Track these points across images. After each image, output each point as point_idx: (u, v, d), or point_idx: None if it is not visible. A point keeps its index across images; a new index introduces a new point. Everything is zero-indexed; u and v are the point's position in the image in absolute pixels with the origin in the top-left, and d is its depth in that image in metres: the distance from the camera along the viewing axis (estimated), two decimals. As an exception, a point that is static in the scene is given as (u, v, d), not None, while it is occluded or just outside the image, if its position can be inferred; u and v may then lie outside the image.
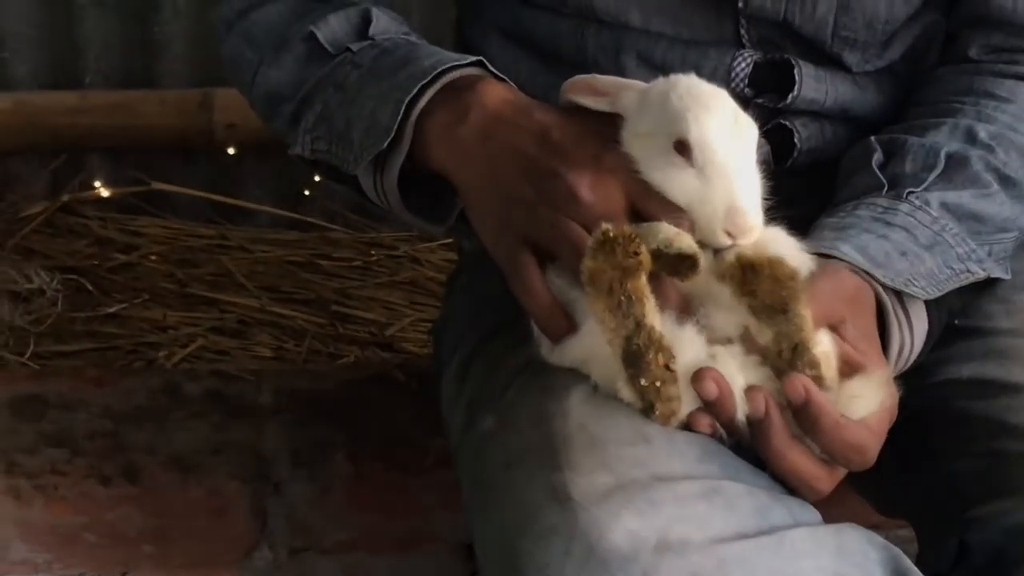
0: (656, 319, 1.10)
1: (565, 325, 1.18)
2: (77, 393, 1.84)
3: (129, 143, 2.97)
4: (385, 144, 1.25)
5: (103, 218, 3.03)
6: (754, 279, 1.09)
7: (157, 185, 3.00)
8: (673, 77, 1.20)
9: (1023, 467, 1.26)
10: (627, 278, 1.09)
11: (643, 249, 1.10)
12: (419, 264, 2.98)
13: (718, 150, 1.14)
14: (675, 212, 1.15)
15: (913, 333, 1.26)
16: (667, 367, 1.10)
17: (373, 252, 2.98)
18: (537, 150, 1.19)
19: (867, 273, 1.22)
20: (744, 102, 1.40)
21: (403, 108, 1.24)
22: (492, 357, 1.34)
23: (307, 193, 2.96)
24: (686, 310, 1.15)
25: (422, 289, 2.92)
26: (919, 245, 1.26)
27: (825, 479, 1.16)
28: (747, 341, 1.15)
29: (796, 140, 1.41)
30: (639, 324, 1.09)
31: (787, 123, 1.41)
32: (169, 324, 2.81)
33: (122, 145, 2.98)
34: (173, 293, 2.93)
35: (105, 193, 3.00)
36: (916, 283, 1.25)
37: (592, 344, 1.15)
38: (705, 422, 1.14)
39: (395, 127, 1.24)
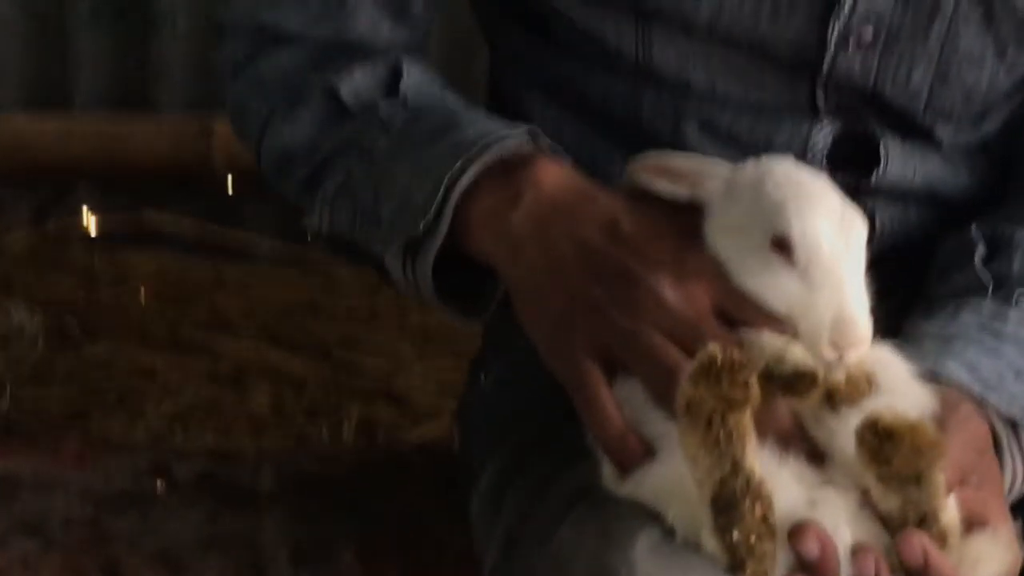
0: (756, 462, 0.96)
1: (639, 453, 1.03)
2: (54, 471, 1.61)
3: (121, 170, 2.77)
4: (421, 228, 1.10)
5: (90, 250, 2.83)
6: (891, 449, 0.95)
7: (149, 215, 2.80)
8: (766, 162, 1.06)
9: None
10: (731, 411, 0.94)
11: (754, 380, 0.94)
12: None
13: (824, 249, 1.00)
14: (773, 322, 1.01)
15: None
16: (765, 519, 0.95)
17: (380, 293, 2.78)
18: (606, 243, 1.05)
19: (980, 398, 1.09)
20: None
21: (443, 187, 1.09)
22: (536, 476, 1.18)
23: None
24: (796, 442, 1.01)
25: (434, 335, 2.72)
26: None
27: None
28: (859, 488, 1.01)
29: (877, 224, 1.25)
30: (736, 465, 0.95)
31: (866, 204, 1.22)
32: (158, 370, 2.61)
33: (113, 172, 2.78)
34: (163, 335, 2.73)
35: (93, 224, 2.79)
36: None
37: (672, 477, 1.00)
38: None
39: (433, 209, 1.09)
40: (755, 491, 0.95)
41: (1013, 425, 1.10)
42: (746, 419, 0.95)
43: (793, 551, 0.96)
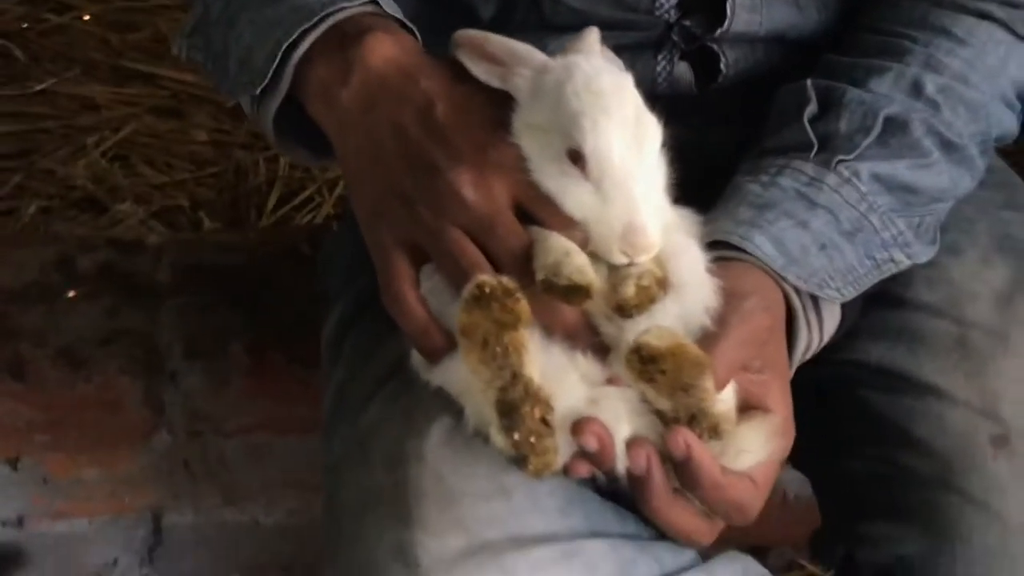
0: (535, 369, 1.01)
1: (441, 345, 1.07)
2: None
3: None
4: (258, 90, 1.14)
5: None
6: (656, 371, 1.00)
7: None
8: (571, 63, 1.06)
9: (918, 489, 1.18)
10: (504, 331, 1.00)
11: (523, 304, 1.00)
12: None
13: (616, 164, 1.02)
14: (567, 224, 1.04)
15: (823, 330, 1.17)
16: (544, 420, 1.01)
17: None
18: (419, 131, 1.08)
19: (779, 275, 1.11)
20: (668, 27, 1.28)
21: (280, 54, 1.12)
22: (368, 333, 1.24)
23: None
24: (582, 340, 1.05)
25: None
26: (841, 232, 1.15)
27: (706, 532, 1.09)
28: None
29: (722, 66, 1.29)
30: (515, 375, 1.00)
31: (714, 46, 1.27)
32: (102, 103, 2.67)
33: None
34: (107, 64, 2.76)
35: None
36: (832, 283, 1.15)
37: (466, 373, 1.03)
38: (583, 469, 1.05)
39: (270, 72, 1.13)
40: (533, 396, 1.00)
41: (813, 297, 1.13)
42: (520, 335, 1.00)
43: (575, 443, 1.03)
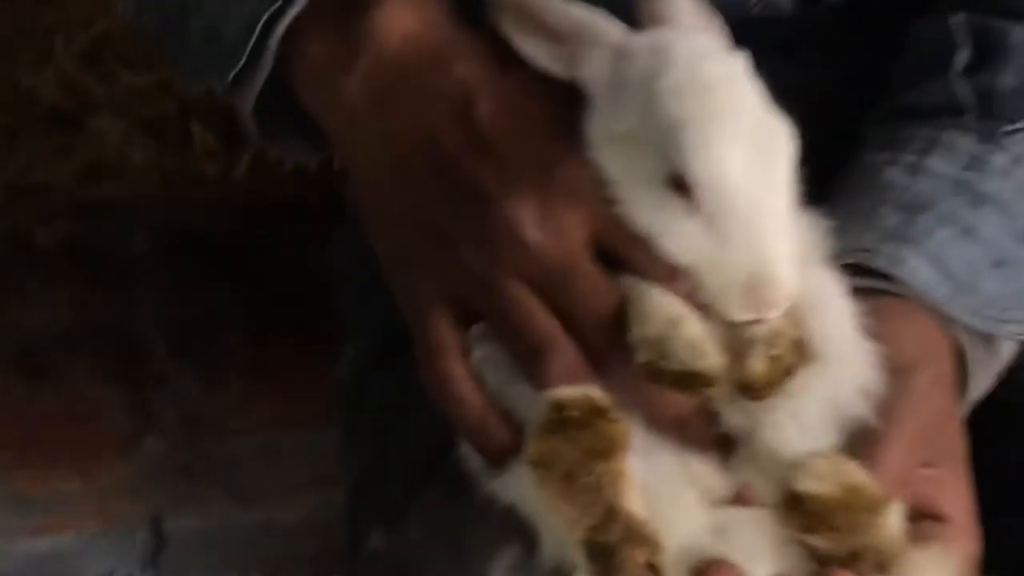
0: (636, 498, 0.77)
1: (507, 443, 0.83)
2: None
3: None
4: (230, 76, 0.90)
5: None
6: (823, 524, 0.79)
7: None
8: (661, 41, 0.82)
9: None
10: (595, 461, 0.77)
11: (621, 426, 0.77)
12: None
13: (737, 192, 0.78)
14: (669, 273, 0.81)
15: (997, 368, 0.93)
16: (651, 566, 0.78)
17: None
18: (457, 141, 0.84)
19: (945, 311, 0.88)
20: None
21: (258, 29, 0.88)
22: (397, 395, 1.01)
23: None
24: (699, 440, 0.83)
25: None
26: (1018, 237, 0.91)
27: None
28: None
29: None
30: (611, 512, 0.77)
31: None
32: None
33: None
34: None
35: None
36: (1015, 315, 0.90)
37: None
38: None
39: (246, 52, 0.88)
40: (637, 536, 0.77)
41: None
42: (617, 463, 0.78)
43: None
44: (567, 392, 0.76)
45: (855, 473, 0.79)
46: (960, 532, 0.86)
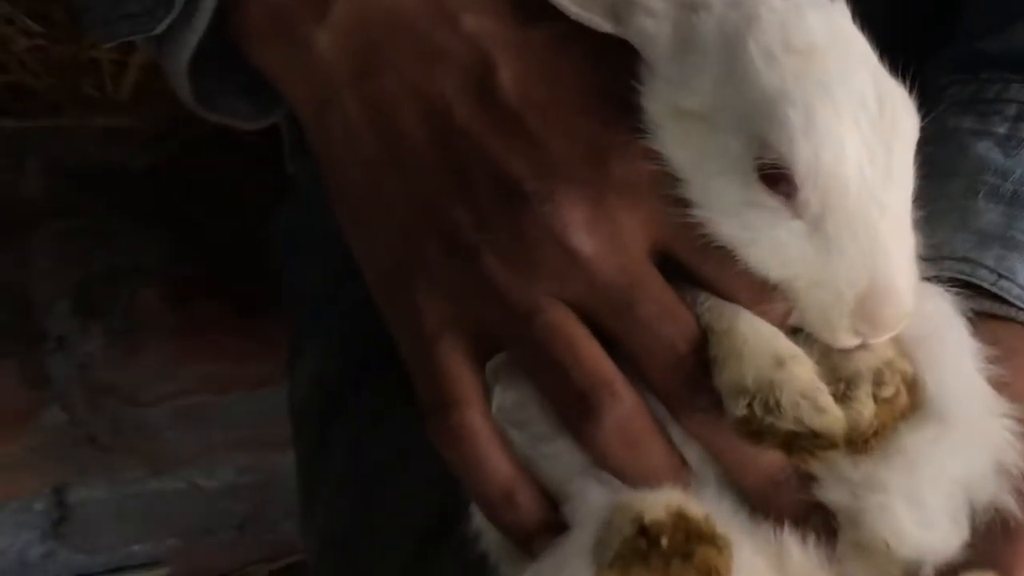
0: None
1: (538, 519, 0.67)
2: None
3: None
4: (158, 29, 0.73)
5: None
6: None
7: None
8: None
9: None
10: None
11: (727, 556, 0.61)
12: None
13: (853, 188, 0.63)
14: (759, 292, 0.65)
15: None
16: None
17: None
18: (472, 117, 0.67)
19: None
20: None
21: None
22: (378, 437, 0.82)
23: None
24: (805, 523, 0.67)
25: None
26: None
27: None
28: None
29: None
30: None
31: None
32: None
33: None
34: None
35: None
36: None
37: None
38: None
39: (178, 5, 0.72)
40: None
41: None
42: None
43: None
44: (655, 510, 0.60)
45: None
46: None
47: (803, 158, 0.61)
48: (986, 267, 0.72)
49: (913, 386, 0.65)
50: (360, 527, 0.79)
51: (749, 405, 0.63)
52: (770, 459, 0.65)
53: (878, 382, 0.64)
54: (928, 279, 0.69)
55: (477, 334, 0.67)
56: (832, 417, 0.62)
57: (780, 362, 0.63)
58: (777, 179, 0.62)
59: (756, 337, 0.64)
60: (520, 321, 0.65)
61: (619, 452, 0.64)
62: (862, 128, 0.62)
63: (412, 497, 0.77)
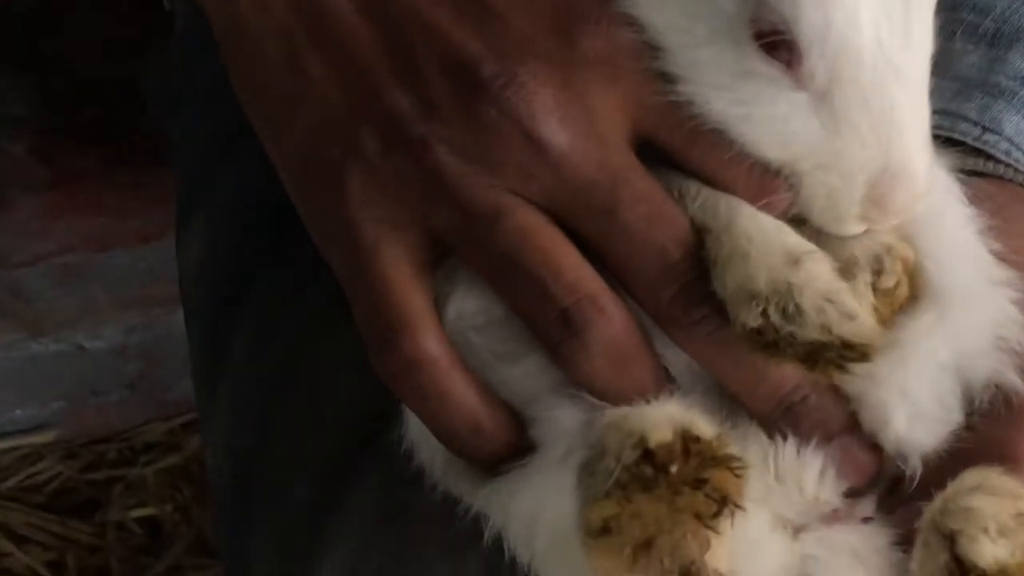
0: (723, 553, 0.54)
1: (506, 444, 0.58)
2: None
3: None
4: None
5: None
6: None
7: None
8: None
9: None
10: (695, 522, 0.53)
11: (742, 479, 0.53)
12: None
13: (868, 55, 0.55)
14: (760, 178, 0.57)
15: None
16: None
17: None
18: None
19: None
20: None
21: None
22: (278, 327, 0.71)
23: None
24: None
25: None
26: None
27: None
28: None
29: None
30: (689, 573, 0.54)
31: None
32: None
33: None
34: None
35: None
36: None
37: (554, 515, 0.57)
38: None
39: None
40: None
41: None
42: (724, 520, 0.53)
43: None
44: (660, 430, 0.52)
45: None
46: None
47: (810, 21, 0.54)
48: (968, 119, 0.65)
49: (914, 274, 0.59)
50: (264, 445, 0.70)
51: (764, 312, 0.55)
52: (785, 374, 0.57)
53: (877, 271, 0.58)
54: None
55: (425, 243, 0.58)
56: (864, 324, 0.55)
57: (795, 260, 0.56)
58: (777, 45, 0.54)
59: (762, 234, 0.56)
60: (481, 226, 0.56)
61: (606, 374, 0.56)
62: None
63: (324, 404, 0.68)
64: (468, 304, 0.59)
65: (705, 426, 0.54)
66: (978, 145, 0.64)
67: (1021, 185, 0.64)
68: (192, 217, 0.83)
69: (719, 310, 0.56)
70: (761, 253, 0.56)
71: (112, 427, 1.53)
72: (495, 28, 0.57)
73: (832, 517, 0.59)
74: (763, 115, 0.57)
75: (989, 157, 0.64)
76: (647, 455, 0.53)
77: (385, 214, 0.58)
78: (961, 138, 0.64)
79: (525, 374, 0.58)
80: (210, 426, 0.75)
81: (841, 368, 0.56)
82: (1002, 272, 0.59)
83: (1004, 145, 0.65)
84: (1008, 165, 0.64)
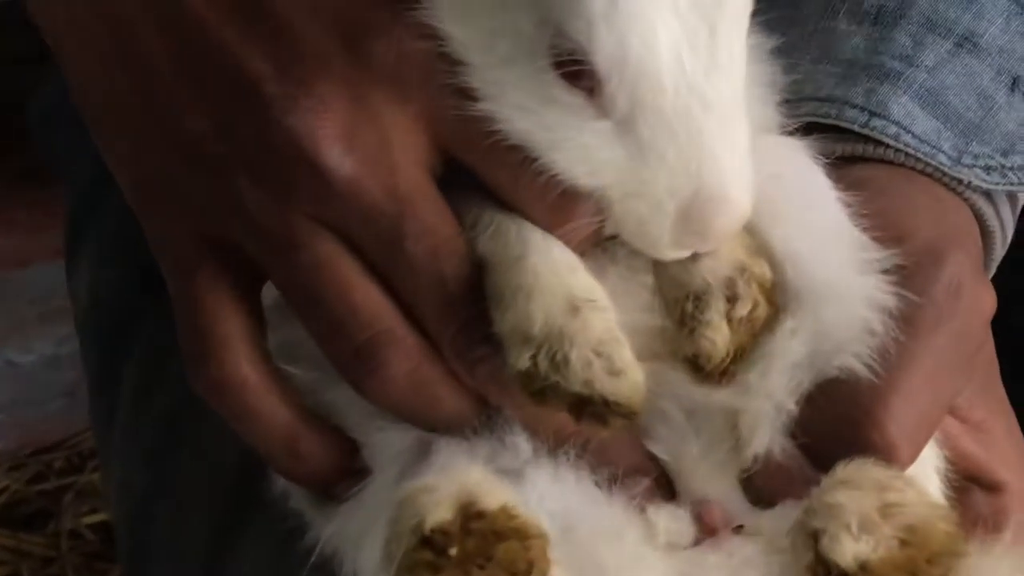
0: None
1: (334, 464, 0.57)
2: None
3: None
4: None
5: None
6: None
7: None
8: None
9: None
10: None
11: (540, 545, 0.50)
12: None
13: (669, 80, 0.52)
14: (561, 205, 0.54)
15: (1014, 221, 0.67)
16: None
17: None
18: (209, 2, 0.54)
19: (954, 165, 0.62)
20: None
21: None
22: (165, 367, 0.71)
23: None
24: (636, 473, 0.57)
25: None
26: None
27: None
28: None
29: None
30: None
31: None
32: None
33: None
34: None
35: None
36: None
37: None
38: None
39: None
40: None
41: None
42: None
43: None
44: (439, 509, 0.49)
45: (905, 496, 0.53)
46: (1020, 501, 0.61)
47: (605, 47, 0.51)
48: (855, 105, 0.62)
49: (772, 290, 0.56)
50: (157, 487, 0.68)
51: (533, 357, 0.52)
52: (563, 417, 0.54)
53: (731, 298, 0.55)
54: (790, 126, 0.59)
55: (241, 261, 0.55)
56: (629, 383, 0.52)
57: (575, 307, 0.53)
58: (578, 73, 0.51)
59: (549, 273, 0.53)
60: (280, 255, 0.54)
61: (410, 403, 0.54)
62: (679, 6, 0.51)
63: (211, 452, 0.67)
64: (281, 334, 0.57)
65: (492, 497, 0.51)
66: (865, 132, 0.61)
67: (912, 168, 0.61)
68: (80, 243, 0.81)
69: (498, 348, 0.53)
70: (543, 293, 0.54)
71: (56, 436, 1.51)
72: (282, 43, 0.54)
73: (703, 534, 0.57)
74: (569, 143, 0.53)
75: (878, 143, 0.62)
76: (425, 541, 0.50)
77: (200, 234, 0.56)
78: (848, 125, 0.61)
79: (347, 398, 0.56)
80: (107, 459, 0.74)
81: (604, 423, 0.53)
82: (874, 253, 0.57)
83: (892, 129, 0.62)
84: (898, 150, 0.61)
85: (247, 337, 0.55)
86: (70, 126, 0.83)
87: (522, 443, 0.55)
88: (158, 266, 0.59)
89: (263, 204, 0.53)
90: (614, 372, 0.52)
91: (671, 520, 0.55)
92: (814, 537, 0.51)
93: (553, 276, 0.53)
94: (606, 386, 0.52)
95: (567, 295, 0.53)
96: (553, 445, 0.55)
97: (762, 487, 0.56)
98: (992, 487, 0.61)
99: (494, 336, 0.53)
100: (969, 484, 0.61)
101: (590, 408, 0.52)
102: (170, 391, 0.69)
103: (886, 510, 0.52)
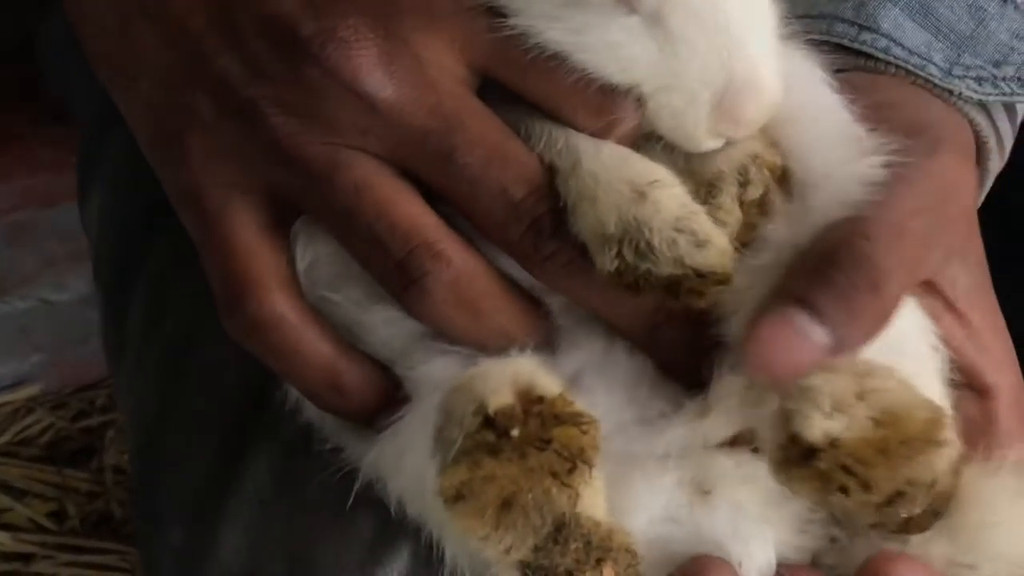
0: (598, 501, 0.53)
1: (377, 395, 0.58)
2: None
3: None
4: None
5: None
6: (851, 481, 0.52)
7: None
8: None
9: None
10: (551, 479, 0.52)
11: (592, 434, 0.52)
12: None
13: None
14: (601, 106, 0.56)
15: (1013, 133, 0.67)
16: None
17: None
18: None
19: (943, 75, 0.63)
20: None
21: None
22: (174, 287, 0.70)
23: None
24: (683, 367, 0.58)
25: None
26: None
27: None
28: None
29: None
30: (563, 526, 0.53)
31: None
32: None
33: None
34: None
35: None
36: None
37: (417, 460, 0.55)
38: None
39: None
40: (601, 549, 0.53)
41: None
42: (580, 476, 0.52)
43: None
44: (500, 394, 0.50)
45: (887, 383, 0.53)
46: (1010, 409, 0.61)
47: None
48: (844, 20, 0.63)
49: (783, 179, 0.57)
50: (166, 412, 0.69)
51: (619, 254, 0.53)
52: (647, 303, 0.56)
53: (743, 182, 0.56)
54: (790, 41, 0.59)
55: (271, 202, 0.56)
56: (717, 248, 0.53)
57: (640, 193, 0.54)
58: None
59: (606, 171, 0.54)
60: (319, 183, 0.55)
61: (456, 320, 0.55)
62: None
63: (221, 366, 0.67)
64: (324, 261, 0.57)
65: (549, 384, 0.52)
66: (856, 46, 0.62)
67: (904, 79, 0.62)
68: (91, 177, 0.82)
69: (571, 242, 0.54)
70: (607, 192, 0.54)
71: (95, 374, 1.52)
72: None
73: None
74: (599, 43, 0.55)
75: (869, 56, 0.62)
76: (488, 421, 0.51)
77: (228, 177, 0.57)
78: (839, 40, 0.62)
79: (387, 321, 0.57)
80: (120, 392, 0.74)
81: (702, 296, 0.54)
82: (869, 144, 0.58)
83: (882, 42, 0.63)
84: (888, 63, 0.62)
85: (280, 276, 0.56)
86: (76, 62, 0.83)
87: (567, 362, 0.56)
88: (162, 203, 0.59)
89: (300, 137, 0.55)
90: (700, 244, 0.53)
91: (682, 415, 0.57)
92: (787, 417, 0.52)
93: (610, 172, 0.54)
94: (696, 259, 0.53)
95: (629, 184, 0.54)
96: (630, 330, 0.57)
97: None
98: (983, 391, 0.61)
99: (562, 231, 0.54)
100: (960, 388, 0.61)
101: (686, 284, 0.54)
102: (176, 322, 0.70)
103: (864, 394, 0.52)
